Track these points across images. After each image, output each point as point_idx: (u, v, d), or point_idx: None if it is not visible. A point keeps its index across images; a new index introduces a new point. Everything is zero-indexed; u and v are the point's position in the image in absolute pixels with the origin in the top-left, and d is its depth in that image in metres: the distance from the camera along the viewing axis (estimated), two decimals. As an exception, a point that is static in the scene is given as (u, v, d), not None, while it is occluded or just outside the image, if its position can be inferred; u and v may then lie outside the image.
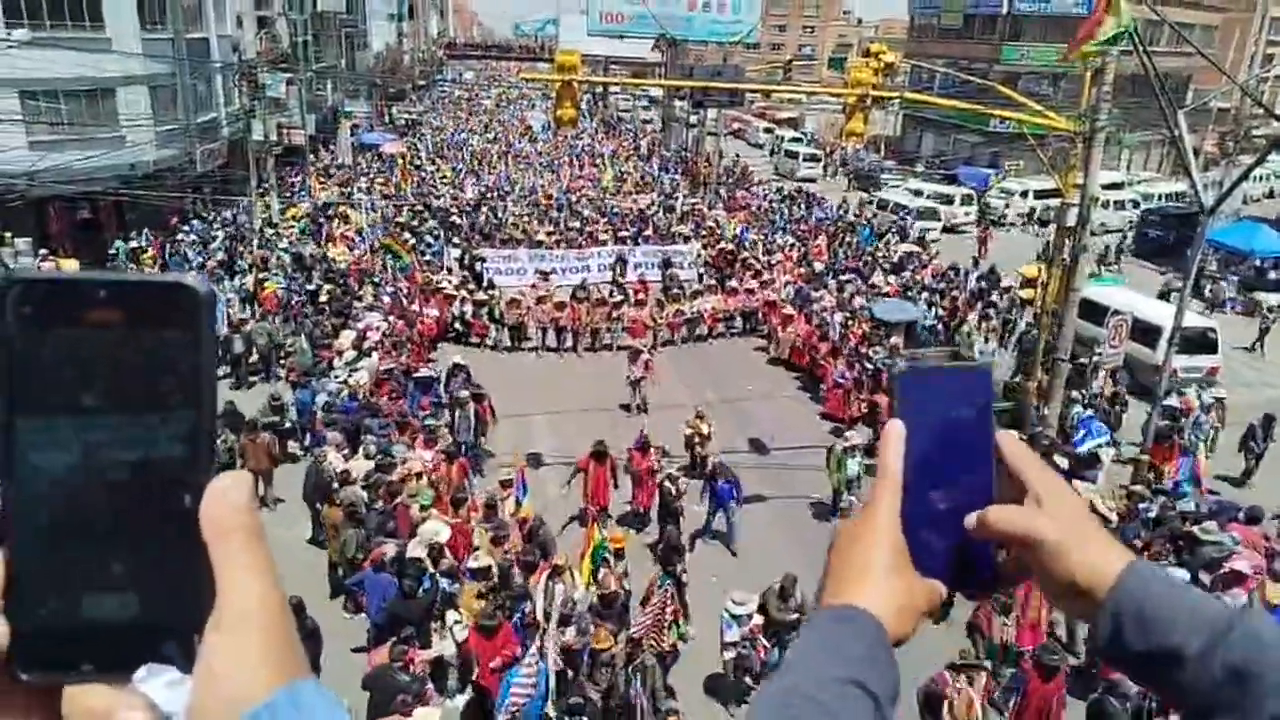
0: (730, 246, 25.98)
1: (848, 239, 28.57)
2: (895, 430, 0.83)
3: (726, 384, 19.18)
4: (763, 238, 27.76)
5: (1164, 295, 22.60)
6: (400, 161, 38.43)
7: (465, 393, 14.84)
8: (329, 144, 45.04)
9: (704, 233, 27.82)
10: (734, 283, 22.40)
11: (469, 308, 20.37)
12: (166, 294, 0.54)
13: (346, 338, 16.92)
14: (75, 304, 0.53)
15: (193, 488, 0.54)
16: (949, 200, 35.33)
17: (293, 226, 28.19)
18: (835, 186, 42.21)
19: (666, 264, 24.29)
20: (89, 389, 0.53)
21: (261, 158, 30.00)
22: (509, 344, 20.59)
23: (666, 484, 12.53)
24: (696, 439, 14.85)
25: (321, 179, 36.22)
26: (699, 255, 25.30)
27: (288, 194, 32.93)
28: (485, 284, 22.17)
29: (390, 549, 10.14)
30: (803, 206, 33.73)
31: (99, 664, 0.54)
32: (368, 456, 12.40)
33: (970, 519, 0.84)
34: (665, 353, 20.15)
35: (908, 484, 0.82)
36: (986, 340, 19.94)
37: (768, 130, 55.27)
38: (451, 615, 9.52)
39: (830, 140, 50.23)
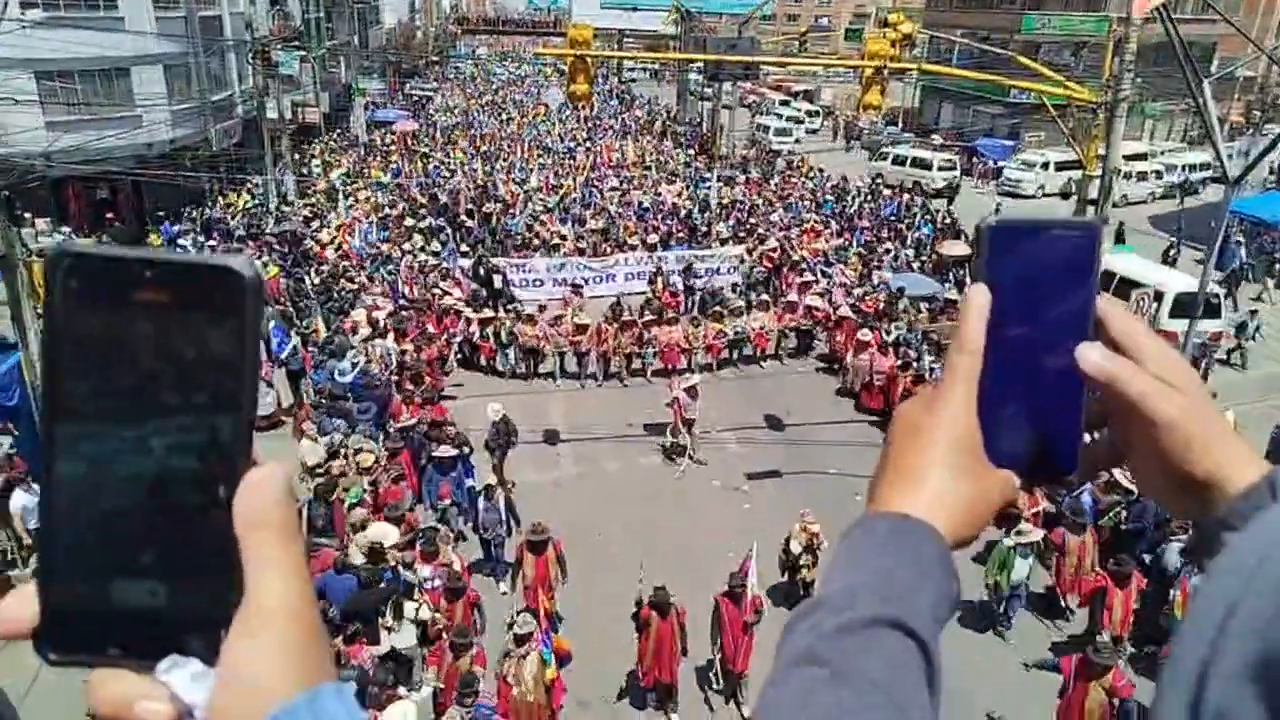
0: (776, 246, 22.38)
1: (911, 236, 25.56)
2: (979, 295, 0.72)
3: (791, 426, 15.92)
4: (792, 217, 26.19)
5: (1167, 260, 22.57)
6: (397, 145, 37.41)
7: (490, 480, 11.74)
8: (343, 122, 45.01)
9: (744, 232, 24.17)
10: (793, 295, 18.90)
11: (475, 328, 17.57)
12: (213, 276, 0.52)
13: (359, 315, 16.97)
14: (122, 281, 0.51)
15: (229, 479, 0.53)
16: (927, 165, 35.20)
17: (309, 203, 28.23)
18: (853, 160, 41.70)
19: (688, 269, 20.89)
20: (132, 370, 0.52)
21: (277, 136, 30.02)
22: (522, 370, 17.71)
23: None
24: (804, 556, 10.55)
25: (334, 157, 36.16)
26: (743, 261, 21.76)
27: (303, 172, 32.93)
28: (506, 298, 19.40)
29: (327, 552, 9.39)
30: (855, 200, 30.13)
31: (125, 650, 0.53)
32: (328, 447, 11.63)
33: (1085, 348, 0.72)
34: (705, 381, 16.63)
35: (989, 358, 0.72)
36: None
37: (783, 103, 54.67)
38: (410, 605, 8.88)
39: (844, 111, 49.64)
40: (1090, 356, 0.72)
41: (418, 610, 8.99)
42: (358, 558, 9.42)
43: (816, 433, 15.59)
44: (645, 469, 14.62)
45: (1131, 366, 0.73)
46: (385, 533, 9.75)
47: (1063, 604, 11.01)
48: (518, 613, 9.10)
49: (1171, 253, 24.14)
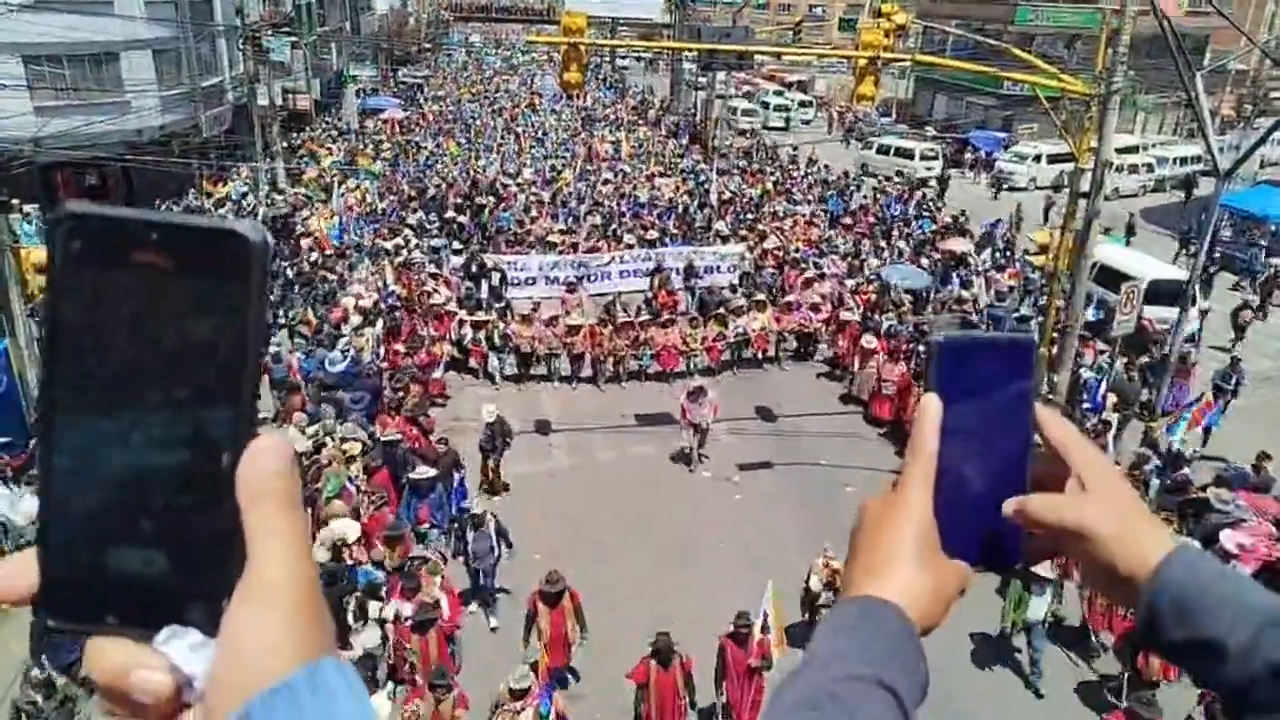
0: (778, 244, 21.82)
1: (905, 230, 25.11)
2: (931, 404, 0.81)
3: (800, 441, 15.01)
4: (784, 207, 26.12)
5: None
6: (387, 133, 37.02)
7: (480, 509, 10.58)
8: (334, 109, 44.70)
9: (745, 229, 23.35)
10: (792, 296, 18.29)
11: (468, 329, 16.80)
12: (218, 240, 0.52)
13: (348, 303, 16.91)
14: (125, 243, 0.51)
15: (232, 448, 0.53)
16: (910, 155, 35.54)
17: (300, 192, 28.03)
18: (849, 153, 41.63)
19: (690, 270, 20.20)
20: (134, 334, 0.51)
21: (267, 123, 29.76)
22: (514, 373, 17.05)
23: None
24: (825, 594, 9.71)
25: (326, 145, 35.89)
26: (743, 258, 21.06)
27: (293, 160, 32.67)
28: (498, 298, 18.70)
29: None
30: (849, 196, 29.35)
31: (124, 618, 0.53)
32: (311, 437, 11.34)
33: (1009, 505, 0.82)
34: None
35: (942, 461, 0.80)
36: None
37: (777, 93, 54.58)
38: (374, 605, 8.73)
39: (837, 102, 49.49)
40: (1007, 510, 0.82)
41: (381, 610, 8.88)
42: (320, 554, 9.17)
43: (808, 424, 15.63)
44: (638, 459, 14.64)
45: (1040, 499, 0.82)
46: (346, 529, 9.57)
47: (1093, 639, 10.36)
48: (524, 664, 8.41)
49: (1190, 249, 23.88)
